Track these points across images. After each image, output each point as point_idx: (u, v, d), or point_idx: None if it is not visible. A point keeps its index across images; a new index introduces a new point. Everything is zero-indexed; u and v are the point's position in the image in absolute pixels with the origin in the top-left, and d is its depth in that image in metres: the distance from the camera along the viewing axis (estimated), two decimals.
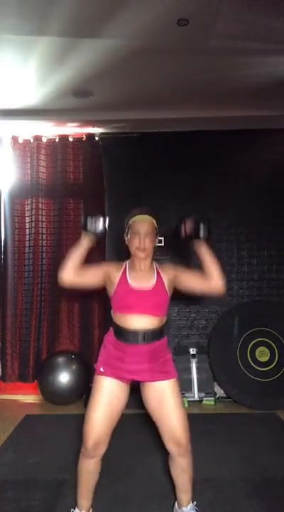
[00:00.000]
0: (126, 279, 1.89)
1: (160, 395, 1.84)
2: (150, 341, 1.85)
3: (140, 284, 1.88)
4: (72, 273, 1.86)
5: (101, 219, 1.84)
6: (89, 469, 1.84)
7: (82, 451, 1.82)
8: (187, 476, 1.87)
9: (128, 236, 1.96)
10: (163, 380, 1.85)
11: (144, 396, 1.90)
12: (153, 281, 1.90)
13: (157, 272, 1.94)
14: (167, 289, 1.91)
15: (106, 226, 1.88)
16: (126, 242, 1.97)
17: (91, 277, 1.92)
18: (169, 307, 1.97)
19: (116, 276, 1.90)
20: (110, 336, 1.94)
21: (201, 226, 1.84)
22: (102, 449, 1.81)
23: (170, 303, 1.96)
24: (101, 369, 1.87)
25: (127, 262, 1.96)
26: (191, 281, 1.93)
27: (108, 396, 1.83)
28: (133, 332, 1.85)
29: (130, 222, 1.96)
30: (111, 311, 1.96)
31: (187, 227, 1.89)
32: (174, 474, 1.90)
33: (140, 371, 1.85)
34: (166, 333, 1.98)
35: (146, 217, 1.97)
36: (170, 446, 1.82)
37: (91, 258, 4.18)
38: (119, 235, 4.26)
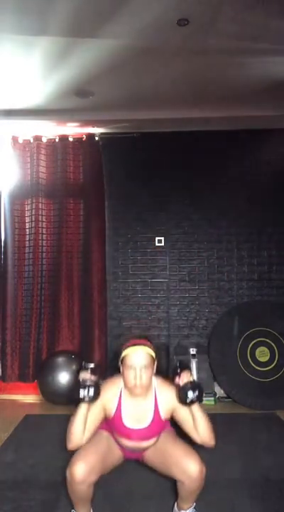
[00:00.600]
0: (121, 417, 1.83)
1: (154, 445, 1.90)
2: (147, 448, 1.92)
3: (136, 422, 1.83)
4: (80, 441, 1.77)
5: (93, 387, 1.73)
6: (80, 492, 1.76)
7: (67, 474, 1.72)
8: (195, 494, 1.81)
9: (122, 367, 1.82)
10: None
11: (147, 462, 1.97)
12: (150, 415, 1.83)
13: (155, 400, 1.85)
14: (164, 417, 1.86)
15: (99, 382, 1.79)
16: (120, 371, 1.85)
17: (95, 426, 1.84)
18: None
19: (112, 408, 1.84)
20: (107, 428, 1.96)
21: (190, 393, 1.71)
22: (89, 480, 1.71)
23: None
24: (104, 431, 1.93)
25: (123, 384, 1.86)
26: (184, 426, 1.84)
27: (106, 445, 1.87)
28: (130, 448, 1.91)
29: (123, 353, 1.81)
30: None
31: (180, 382, 1.76)
32: (180, 491, 1.82)
33: (137, 456, 1.97)
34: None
35: (141, 348, 1.80)
36: (185, 479, 1.73)
37: (92, 256, 4.16)
38: (118, 233, 4.27)
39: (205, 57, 2.78)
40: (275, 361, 3.73)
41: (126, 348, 1.82)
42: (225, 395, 3.78)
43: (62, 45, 2.63)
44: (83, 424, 1.77)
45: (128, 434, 1.86)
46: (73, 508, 1.91)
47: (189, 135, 4.09)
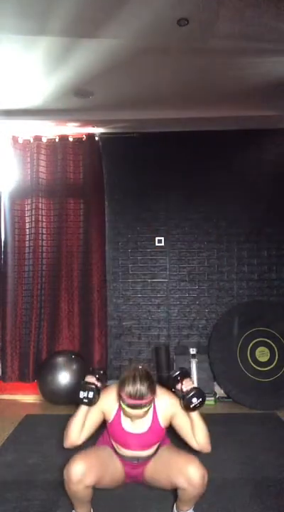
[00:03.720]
0: (120, 421, 1.86)
1: (154, 459, 1.90)
2: (146, 461, 1.92)
3: (135, 427, 1.86)
4: (76, 440, 1.84)
5: (93, 391, 1.80)
6: (77, 493, 1.76)
7: (65, 474, 1.74)
8: (196, 499, 1.82)
9: (120, 402, 1.80)
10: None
11: (148, 479, 1.95)
12: (149, 421, 1.86)
13: (154, 408, 1.86)
14: (162, 424, 1.87)
15: (100, 388, 1.85)
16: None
17: (93, 428, 1.89)
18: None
19: (111, 414, 1.88)
20: (109, 439, 1.97)
21: (195, 400, 1.76)
22: (85, 482, 1.71)
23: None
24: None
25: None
26: (181, 433, 1.86)
27: (107, 455, 1.88)
28: (128, 457, 1.90)
29: (122, 405, 1.77)
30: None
31: (183, 388, 1.81)
32: (181, 495, 1.82)
33: (137, 473, 1.95)
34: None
35: (138, 410, 1.74)
36: (188, 487, 1.73)
37: (92, 256, 4.16)
38: (118, 233, 4.27)
39: (205, 57, 2.78)
40: (275, 361, 3.73)
41: (124, 398, 1.73)
42: (225, 395, 3.78)
43: (62, 45, 2.63)
44: (81, 424, 1.82)
45: (127, 440, 1.86)
46: (73, 509, 1.91)
47: (189, 135, 4.09)
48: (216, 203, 4.14)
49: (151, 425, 1.85)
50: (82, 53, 2.71)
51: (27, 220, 4.12)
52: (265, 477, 2.38)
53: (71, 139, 4.12)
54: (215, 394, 3.79)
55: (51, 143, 4.13)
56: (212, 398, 3.76)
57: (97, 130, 4.08)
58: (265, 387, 3.63)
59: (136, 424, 1.85)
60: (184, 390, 1.80)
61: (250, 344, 3.78)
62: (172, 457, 1.85)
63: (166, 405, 1.87)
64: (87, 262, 4.05)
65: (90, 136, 4.11)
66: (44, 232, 4.10)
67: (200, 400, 1.76)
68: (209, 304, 4.12)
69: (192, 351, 3.88)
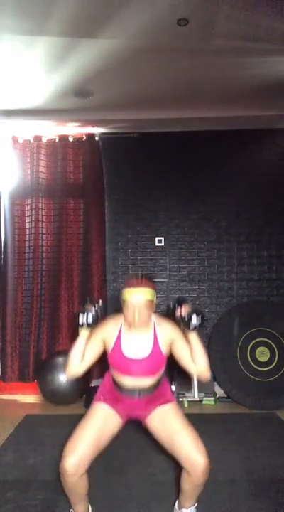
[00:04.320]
0: (120, 347, 1.88)
1: (163, 418, 1.87)
2: (146, 396, 1.90)
3: (135, 352, 1.87)
4: (77, 369, 1.87)
5: (92, 312, 1.83)
6: (73, 484, 1.77)
7: (60, 468, 1.75)
8: (198, 490, 1.82)
9: (123, 305, 1.88)
10: (160, 405, 1.89)
11: (151, 429, 1.92)
12: (149, 347, 1.87)
13: (155, 333, 1.90)
14: (163, 351, 1.89)
15: (99, 314, 1.86)
16: (122, 307, 1.91)
17: (94, 358, 1.90)
18: (166, 364, 1.96)
19: (112, 341, 1.89)
20: (110, 374, 1.98)
21: (194, 318, 1.80)
22: (80, 471, 1.74)
23: (167, 361, 1.95)
24: (102, 397, 1.92)
25: (123, 320, 1.92)
26: (181, 358, 1.88)
27: (101, 422, 1.85)
28: (129, 389, 1.89)
29: (124, 294, 1.86)
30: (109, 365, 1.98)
31: (183, 312, 1.86)
32: (184, 484, 1.83)
33: (137, 413, 1.92)
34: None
35: (140, 292, 1.84)
36: (188, 467, 1.75)
37: (92, 256, 4.16)
38: (118, 233, 4.28)
39: (205, 57, 2.78)
40: (275, 361, 3.73)
41: (126, 289, 1.87)
42: (225, 395, 3.78)
43: (62, 45, 2.63)
44: (82, 351, 1.85)
45: (128, 365, 1.86)
46: (72, 508, 1.91)
47: (189, 135, 4.10)
48: (216, 203, 4.14)
49: (152, 350, 1.87)
50: (82, 53, 2.71)
51: (27, 220, 4.12)
52: (265, 477, 2.38)
53: (71, 139, 4.12)
54: (215, 394, 3.79)
55: (51, 143, 4.13)
56: (212, 398, 3.76)
57: (97, 130, 4.08)
58: (265, 387, 3.63)
59: (137, 350, 1.87)
60: (183, 313, 1.84)
61: (250, 344, 3.78)
62: (180, 431, 1.82)
63: (166, 331, 1.90)
64: (87, 262, 4.05)
65: (90, 136, 4.11)
66: (44, 232, 4.10)
67: (199, 318, 1.80)
68: (209, 303, 4.12)
69: None
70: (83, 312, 1.83)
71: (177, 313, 1.88)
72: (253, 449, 2.75)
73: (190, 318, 1.80)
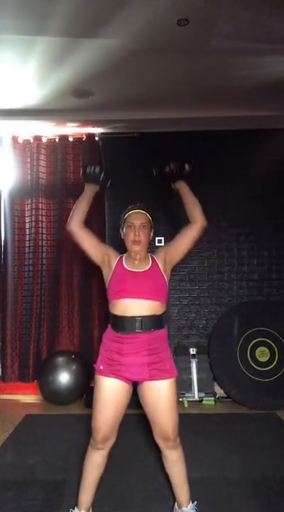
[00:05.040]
0: (122, 264, 1.96)
1: (157, 395, 1.85)
2: (148, 329, 1.84)
3: (136, 268, 1.94)
4: (78, 223, 1.96)
5: (100, 167, 1.95)
6: (96, 461, 1.87)
7: (91, 443, 1.86)
8: (178, 469, 1.90)
9: (124, 230, 2.01)
10: (162, 379, 1.85)
11: (140, 391, 1.91)
12: (148, 265, 1.95)
13: (153, 259, 1.99)
14: (163, 272, 1.95)
15: (104, 174, 1.96)
16: (122, 237, 2.03)
17: (93, 241, 2.00)
18: (168, 294, 2.00)
19: (113, 260, 1.98)
20: (108, 333, 1.96)
21: (185, 165, 1.94)
22: (111, 442, 1.85)
23: (168, 289, 2.00)
24: (101, 367, 1.87)
25: (123, 255, 2.02)
26: (180, 241, 2.00)
27: (111, 395, 1.84)
28: (130, 319, 1.84)
29: (125, 215, 2.02)
30: (109, 305, 1.97)
31: (171, 166, 1.99)
32: (167, 470, 1.93)
33: (139, 367, 1.83)
34: (166, 325, 2.00)
35: (141, 210, 2.03)
36: (159, 441, 1.88)
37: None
38: (118, 233, 4.28)
39: (205, 57, 2.78)
40: (275, 361, 3.74)
41: (126, 211, 2.02)
42: (225, 395, 3.78)
43: (62, 45, 2.63)
44: (85, 206, 1.98)
45: (128, 280, 1.88)
46: (72, 508, 1.92)
47: (189, 135, 4.09)
48: (216, 202, 4.14)
49: (151, 266, 1.94)
50: (82, 53, 2.71)
51: (27, 220, 4.12)
52: (265, 477, 2.38)
53: (71, 139, 4.12)
54: (215, 394, 3.79)
55: (51, 143, 4.13)
56: (212, 398, 3.76)
57: (97, 130, 4.08)
58: (265, 387, 3.63)
59: (137, 266, 1.93)
60: (172, 166, 1.99)
61: (250, 344, 3.79)
62: (163, 413, 1.85)
63: (159, 252, 2.01)
64: (87, 262, 4.03)
65: (90, 136, 4.11)
66: (44, 232, 4.10)
67: (191, 166, 1.95)
68: (209, 303, 4.12)
69: (192, 351, 3.89)
70: (90, 165, 1.91)
71: (166, 170, 2.01)
72: (253, 449, 2.75)
73: (183, 166, 1.91)
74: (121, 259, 1.98)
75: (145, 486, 2.29)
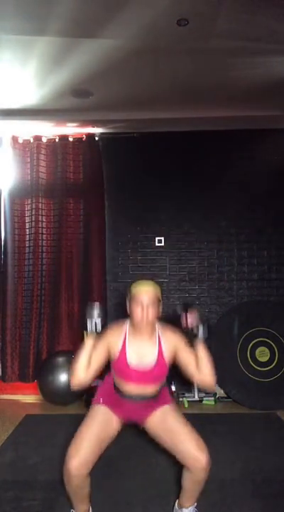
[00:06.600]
0: (125, 355, 1.86)
1: (162, 419, 1.88)
2: (147, 401, 1.91)
3: (140, 361, 1.86)
4: (83, 378, 1.83)
5: (100, 319, 1.85)
6: (77, 485, 1.78)
7: (64, 469, 1.76)
8: (198, 488, 1.84)
9: (130, 304, 1.88)
10: (159, 407, 1.91)
11: (150, 430, 1.93)
12: (154, 356, 1.87)
13: (159, 341, 1.89)
14: (167, 360, 1.89)
15: (101, 321, 1.86)
16: (128, 310, 1.91)
17: (99, 366, 1.88)
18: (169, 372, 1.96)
19: (116, 349, 1.88)
20: (110, 378, 1.97)
21: (201, 329, 1.81)
22: (85, 471, 1.75)
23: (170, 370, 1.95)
24: (101, 400, 1.92)
25: (128, 326, 1.92)
26: (186, 367, 1.88)
27: (102, 425, 1.85)
28: (131, 395, 1.89)
29: (132, 290, 1.88)
30: (112, 370, 1.97)
31: (188, 322, 1.86)
32: (185, 482, 1.85)
33: (137, 416, 1.92)
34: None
35: (149, 286, 1.88)
36: (190, 464, 1.77)
37: (92, 256, 4.15)
38: (118, 233, 4.27)
39: (205, 57, 2.78)
40: (275, 361, 3.73)
41: (134, 285, 1.89)
42: (225, 395, 3.78)
43: (62, 45, 2.63)
44: (87, 359, 1.82)
45: (132, 373, 1.86)
46: (72, 508, 1.92)
47: (189, 135, 4.09)
48: (216, 202, 4.14)
49: (157, 360, 1.86)
50: (82, 53, 2.71)
51: (27, 220, 4.12)
52: (265, 477, 2.38)
53: (71, 139, 4.12)
54: (215, 394, 3.79)
55: (51, 143, 4.13)
56: (212, 398, 3.76)
57: (97, 130, 4.08)
58: (265, 387, 3.63)
59: (141, 358, 1.86)
60: (190, 323, 1.83)
61: (250, 344, 3.79)
62: (181, 430, 1.83)
63: (170, 339, 1.89)
64: (87, 262, 4.04)
65: (90, 136, 4.11)
66: (44, 232, 4.09)
67: (206, 330, 1.79)
68: (209, 304, 4.12)
69: None
70: (91, 318, 1.83)
71: (183, 321, 1.86)
72: (253, 449, 2.75)
73: (197, 331, 1.78)
74: (124, 342, 1.88)
75: (145, 486, 2.29)
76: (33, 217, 4.05)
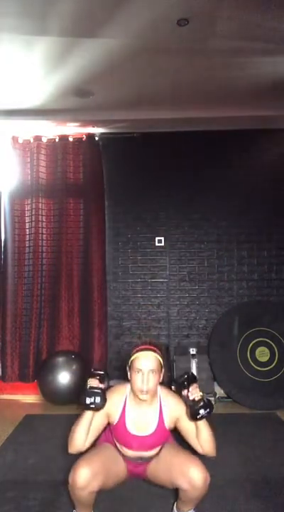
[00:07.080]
0: (125, 423, 1.83)
1: (156, 458, 1.90)
2: (147, 461, 1.91)
3: (140, 428, 1.84)
4: (81, 446, 1.78)
5: (100, 396, 1.73)
6: (82, 498, 1.73)
7: (69, 479, 1.70)
8: (197, 501, 1.82)
9: (130, 372, 1.83)
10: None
11: (150, 477, 1.94)
12: (154, 424, 1.84)
13: (160, 408, 1.86)
14: (168, 426, 1.86)
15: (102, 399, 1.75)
16: (128, 378, 1.85)
17: (98, 433, 1.85)
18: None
19: (116, 415, 1.85)
20: (112, 439, 1.96)
21: (202, 411, 1.70)
22: (91, 486, 1.69)
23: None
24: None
25: (128, 392, 1.88)
26: (187, 436, 1.84)
27: (112, 454, 1.88)
28: (130, 457, 1.89)
29: (132, 357, 1.82)
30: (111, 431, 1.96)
31: (190, 397, 1.75)
32: (182, 494, 1.80)
33: (138, 470, 1.94)
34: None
35: (150, 353, 1.81)
36: (187, 484, 1.71)
37: (92, 256, 4.15)
38: (118, 233, 4.27)
39: (205, 57, 2.78)
40: (275, 361, 3.73)
41: (135, 351, 1.82)
42: (225, 395, 3.78)
43: (62, 45, 2.63)
44: (86, 430, 1.77)
45: (131, 441, 1.85)
46: (74, 509, 1.91)
47: (190, 135, 4.09)
48: (216, 203, 4.14)
49: (157, 427, 1.84)
50: (82, 53, 2.71)
51: (27, 220, 4.12)
52: (265, 477, 2.38)
53: (71, 139, 4.12)
54: (215, 394, 3.79)
55: (51, 143, 4.13)
56: (212, 398, 3.76)
57: (97, 130, 4.08)
58: (265, 387, 3.63)
59: (141, 427, 1.84)
60: (191, 398, 1.74)
61: (250, 344, 3.78)
62: (174, 457, 1.83)
63: (172, 407, 1.85)
64: (87, 262, 4.04)
65: (90, 136, 4.11)
66: (44, 232, 4.09)
67: (207, 411, 1.70)
68: (209, 303, 4.12)
69: (192, 351, 3.88)
70: (90, 396, 1.71)
71: (185, 393, 1.78)
72: (253, 449, 2.75)
73: (198, 411, 1.70)
74: (124, 409, 1.84)
75: (145, 486, 2.28)
76: (33, 218, 4.05)
